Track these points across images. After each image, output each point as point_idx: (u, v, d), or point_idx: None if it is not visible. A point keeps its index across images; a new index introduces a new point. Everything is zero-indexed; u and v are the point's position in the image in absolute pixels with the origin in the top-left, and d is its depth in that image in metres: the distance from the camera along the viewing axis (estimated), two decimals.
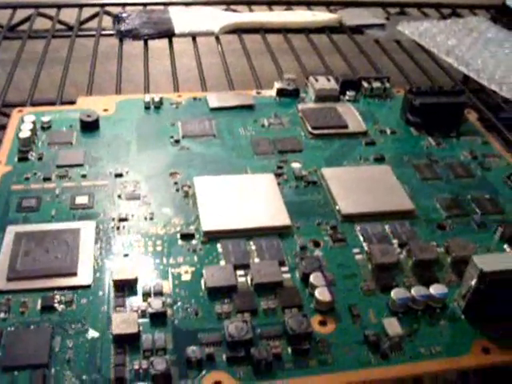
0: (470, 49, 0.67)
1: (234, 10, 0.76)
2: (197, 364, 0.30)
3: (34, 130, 0.46)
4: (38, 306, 0.33)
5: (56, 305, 0.33)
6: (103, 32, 0.69)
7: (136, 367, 0.30)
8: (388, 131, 0.50)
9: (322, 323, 0.33)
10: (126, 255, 0.36)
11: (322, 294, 0.34)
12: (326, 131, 0.49)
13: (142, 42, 0.66)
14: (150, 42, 0.66)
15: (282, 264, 0.36)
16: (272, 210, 0.40)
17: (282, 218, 0.39)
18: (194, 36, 0.67)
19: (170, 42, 0.65)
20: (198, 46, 0.66)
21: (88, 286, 0.34)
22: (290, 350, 0.32)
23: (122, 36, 0.66)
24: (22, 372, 0.30)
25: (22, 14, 0.72)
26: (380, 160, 0.47)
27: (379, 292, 0.35)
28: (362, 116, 0.51)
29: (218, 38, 0.67)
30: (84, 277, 0.35)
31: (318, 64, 0.65)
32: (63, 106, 0.51)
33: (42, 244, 0.36)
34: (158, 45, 0.68)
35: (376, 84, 0.56)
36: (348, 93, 0.54)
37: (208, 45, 0.68)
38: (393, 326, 0.33)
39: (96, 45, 0.64)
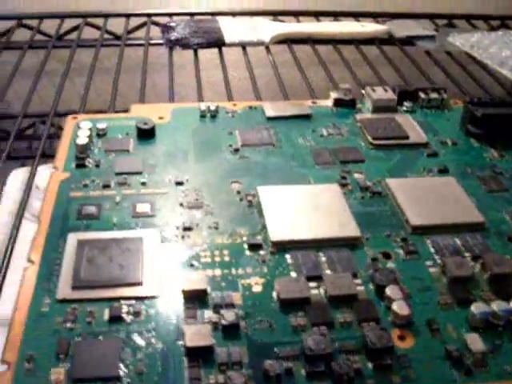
0: None
1: (282, 21, 0.75)
2: (276, 379, 0.29)
3: (90, 137, 0.45)
4: (106, 316, 0.32)
5: (124, 315, 0.32)
6: (152, 41, 0.68)
7: (212, 381, 0.29)
8: (449, 142, 0.49)
9: (401, 338, 0.32)
10: (191, 265, 0.35)
11: (400, 307, 0.32)
12: (386, 142, 0.48)
13: (191, 52, 0.65)
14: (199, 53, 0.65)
15: (354, 276, 0.35)
16: (340, 221, 0.38)
17: (351, 229, 0.38)
18: (244, 46, 0.66)
19: (220, 52, 0.64)
20: (248, 56, 0.65)
21: (155, 297, 0.33)
22: (370, 365, 0.30)
23: (172, 45, 0.66)
24: None
25: (69, 23, 0.72)
26: (444, 172, 0.45)
27: (457, 306, 0.34)
28: (421, 127, 0.50)
29: (268, 48, 0.66)
30: (151, 287, 0.34)
31: (369, 75, 0.64)
32: (117, 114, 0.50)
33: (105, 252, 0.35)
34: (206, 55, 0.67)
35: (433, 95, 0.54)
36: (405, 103, 0.53)
37: (256, 55, 0.67)
38: (475, 342, 0.31)
39: (146, 54, 0.64)
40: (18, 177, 0.61)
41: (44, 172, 0.49)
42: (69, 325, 0.31)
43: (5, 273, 0.37)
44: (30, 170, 0.47)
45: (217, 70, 0.63)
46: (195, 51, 0.65)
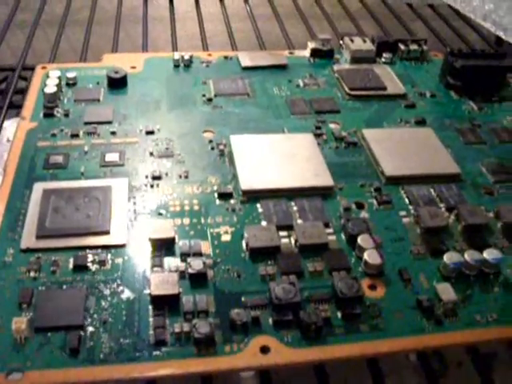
0: (508, 14, 0.65)
1: None
2: (242, 328, 0.28)
3: (59, 86, 0.44)
4: (70, 266, 0.31)
5: (89, 264, 0.31)
6: None
7: (177, 330, 0.28)
8: (428, 94, 0.48)
9: (372, 287, 0.31)
10: (160, 214, 0.34)
11: (372, 256, 0.32)
12: (363, 92, 0.47)
13: (166, 6, 0.63)
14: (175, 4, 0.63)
15: (326, 225, 0.34)
16: (314, 170, 0.37)
17: (324, 179, 0.37)
18: None
19: (197, 3, 0.63)
20: (225, 8, 0.63)
21: (122, 246, 0.32)
22: (339, 314, 0.29)
23: None
24: (55, 333, 0.28)
25: None
26: (421, 123, 0.44)
27: (429, 256, 0.33)
28: (400, 78, 0.49)
29: (246, 1, 0.64)
30: (118, 236, 0.33)
31: (350, 29, 0.63)
32: (88, 63, 0.49)
33: (71, 201, 0.34)
34: (182, 7, 0.65)
35: (413, 46, 0.53)
36: (384, 55, 0.52)
37: (234, 8, 0.65)
38: (446, 292, 0.31)
39: (119, 4, 0.62)
40: None
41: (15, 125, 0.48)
42: (32, 274, 0.30)
43: None
44: None
45: (193, 23, 0.62)
46: (171, 1, 0.63)
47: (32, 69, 0.49)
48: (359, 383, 0.36)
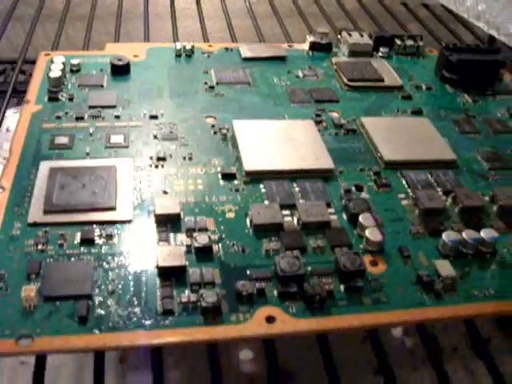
0: (501, 13, 0.66)
1: None
2: (248, 298, 0.29)
3: (63, 71, 0.44)
4: (78, 239, 0.32)
5: (96, 238, 0.32)
6: None
7: (184, 300, 0.29)
8: (423, 87, 0.49)
9: (373, 263, 0.32)
10: (165, 192, 0.35)
11: (373, 233, 0.32)
12: (361, 83, 0.48)
13: (166, 3, 0.64)
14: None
15: (328, 205, 0.35)
16: (314, 154, 0.38)
17: (325, 162, 0.38)
18: None
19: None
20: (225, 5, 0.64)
21: (128, 221, 0.33)
22: (342, 287, 0.30)
23: None
24: (64, 302, 0.28)
25: None
26: (417, 113, 0.45)
27: (428, 236, 0.34)
28: (396, 72, 0.50)
29: None
30: (124, 211, 0.33)
31: (347, 27, 0.64)
32: (92, 51, 0.50)
33: (78, 179, 0.35)
34: (182, 5, 0.66)
35: (409, 42, 0.54)
36: (381, 49, 0.53)
37: (234, 6, 0.66)
38: (445, 268, 0.32)
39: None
40: None
41: (16, 115, 0.48)
42: (40, 247, 0.31)
43: None
44: None
45: (193, 21, 0.62)
46: None
47: (32, 62, 0.50)
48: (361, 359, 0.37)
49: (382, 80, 0.48)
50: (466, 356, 0.41)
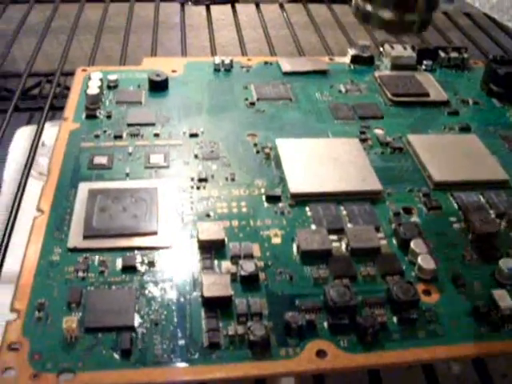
0: None
1: None
2: (297, 331, 0.28)
3: (101, 88, 0.43)
4: (119, 266, 0.31)
5: (138, 265, 0.31)
6: None
7: (231, 333, 0.27)
8: (470, 101, 0.48)
9: (426, 292, 0.30)
10: (208, 216, 0.34)
11: (426, 260, 0.31)
12: (406, 99, 0.46)
13: (202, 13, 0.63)
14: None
15: (377, 230, 0.33)
16: (361, 175, 0.37)
17: (373, 183, 0.36)
18: (257, 3, 0.63)
19: (234, 9, 0.62)
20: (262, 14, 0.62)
21: (170, 247, 0.32)
22: (395, 319, 0.29)
23: (184, 1, 0.63)
24: (106, 334, 0.27)
25: None
26: (465, 129, 0.44)
27: (483, 262, 0.33)
28: (441, 86, 0.48)
29: (282, 7, 0.64)
30: (166, 237, 0.32)
31: (387, 37, 0.62)
32: (129, 67, 0.49)
33: (118, 201, 0.34)
34: (217, 16, 0.65)
35: (454, 54, 0.53)
36: (425, 62, 0.52)
37: (270, 15, 0.65)
38: (503, 298, 0.30)
39: (156, 10, 0.62)
40: (24, 134, 0.60)
41: (51, 129, 0.48)
42: (80, 274, 0.30)
43: (11, 229, 0.36)
44: (37, 126, 0.46)
45: (229, 32, 0.61)
46: (207, 7, 0.63)
47: (67, 74, 0.49)
48: None
49: (428, 95, 0.47)
50: None
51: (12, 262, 0.33)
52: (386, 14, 0.30)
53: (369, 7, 0.31)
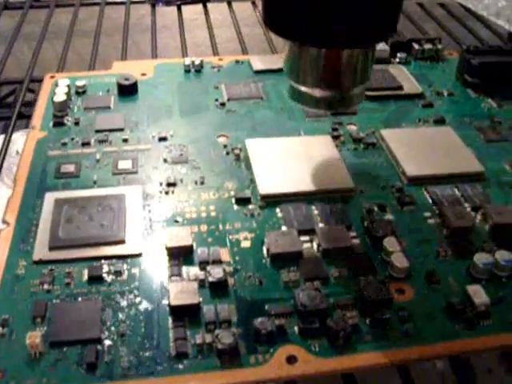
0: None
1: None
2: (266, 337, 0.27)
3: (68, 94, 0.43)
4: (85, 277, 0.30)
5: (105, 275, 0.30)
6: None
7: (199, 341, 0.27)
8: (445, 93, 0.47)
9: (399, 291, 0.30)
10: (176, 221, 0.33)
11: (399, 259, 0.30)
12: (380, 93, 0.46)
13: (173, 14, 0.62)
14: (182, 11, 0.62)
15: (349, 228, 0.33)
16: (333, 173, 0.36)
17: (345, 181, 0.36)
18: (229, 1, 0.63)
19: (205, 8, 0.62)
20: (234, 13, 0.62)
21: (138, 255, 0.31)
22: (367, 320, 0.28)
23: (154, 1, 0.63)
24: (71, 348, 0.27)
25: None
26: (440, 122, 0.43)
27: (458, 258, 0.32)
28: (415, 78, 0.48)
29: (254, 4, 0.63)
30: (133, 245, 0.32)
31: None
32: (97, 71, 0.48)
33: (85, 211, 0.33)
34: (189, 16, 0.64)
35: (427, 45, 0.52)
36: (398, 55, 0.51)
37: (242, 13, 0.64)
38: (478, 294, 0.29)
39: (127, 10, 0.61)
40: None
41: (25, 138, 0.47)
42: (46, 287, 0.29)
43: None
44: (5, 134, 0.45)
45: (201, 31, 0.61)
46: (179, 7, 0.62)
47: (40, 81, 0.48)
48: None
49: (401, 88, 0.46)
50: (503, 378, 0.39)
51: None
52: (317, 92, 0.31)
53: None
